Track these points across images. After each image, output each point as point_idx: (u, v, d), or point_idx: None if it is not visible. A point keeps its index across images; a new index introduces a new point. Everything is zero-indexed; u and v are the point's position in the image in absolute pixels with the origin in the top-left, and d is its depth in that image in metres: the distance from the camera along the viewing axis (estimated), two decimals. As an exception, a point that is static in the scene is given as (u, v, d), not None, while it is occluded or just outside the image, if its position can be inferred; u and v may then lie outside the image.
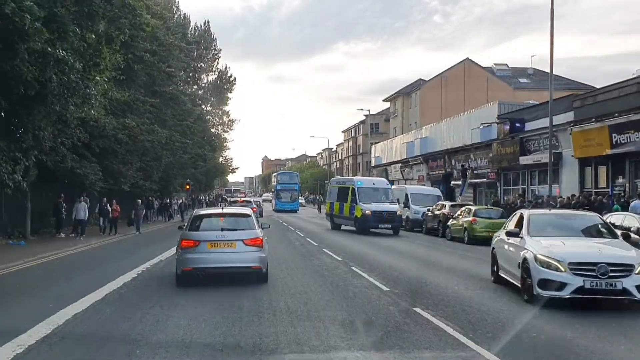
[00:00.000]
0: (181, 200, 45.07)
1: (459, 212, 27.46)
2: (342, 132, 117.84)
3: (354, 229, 30.11)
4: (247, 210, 13.97)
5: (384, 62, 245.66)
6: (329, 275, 14.13)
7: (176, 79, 39.08)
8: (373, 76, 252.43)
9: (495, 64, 69.12)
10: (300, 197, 78.57)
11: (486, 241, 25.07)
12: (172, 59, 39.07)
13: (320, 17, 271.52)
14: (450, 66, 64.49)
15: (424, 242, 25.78)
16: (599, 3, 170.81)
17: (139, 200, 29.85)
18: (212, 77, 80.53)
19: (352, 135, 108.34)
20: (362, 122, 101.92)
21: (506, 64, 69.70)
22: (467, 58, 64.80)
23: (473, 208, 26.94)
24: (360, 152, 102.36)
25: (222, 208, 15.95)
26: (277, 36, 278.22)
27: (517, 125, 32.52)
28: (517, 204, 27.45)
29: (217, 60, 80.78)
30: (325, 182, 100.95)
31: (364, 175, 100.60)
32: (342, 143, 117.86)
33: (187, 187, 56.70)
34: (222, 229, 12.37)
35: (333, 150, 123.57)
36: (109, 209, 26.72)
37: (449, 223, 27.81)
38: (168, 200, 43.26)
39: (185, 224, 13.34)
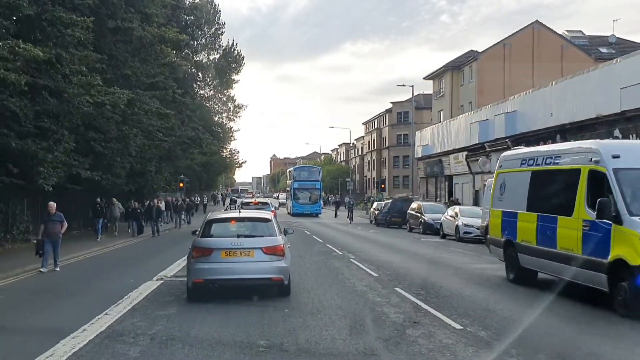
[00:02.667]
0: (150, 202, 28.86)
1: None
2: (362, 124, 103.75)
3: (593, 286, 10.52)
4: (267, 214, 12.22)
5: (391, 62, 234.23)
6: None
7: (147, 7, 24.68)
8: (380, 76, 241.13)
9: (567, 31, 55.49)
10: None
11: None
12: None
13: (327, 17, 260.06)
14: (515, 31, 50.84)
15: None
16: (605, 3, 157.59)
17: (53, 204, 15.07)
18: (214, 56, 68.36)
19: (376, 126, 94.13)
20: (388, 110, 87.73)
21: (581, 31, 55.98)
22: (537, 21, 50.95)
23: None
24: (387, 145, 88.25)
25: (239, 212, 12.53)
26: (284, 37, 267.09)
27: None
28: None
29: (220, 37, 68.43)
30: (347, 179, 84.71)
31: (394, 172, 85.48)
32: (362, 137, 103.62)
33: (181, 184, 44.92)
34: (238, 236, 10.94)
35: (351, 145, 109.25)
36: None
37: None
38: (137, 204, 27.73)
39: (198, 229, 11.57)
